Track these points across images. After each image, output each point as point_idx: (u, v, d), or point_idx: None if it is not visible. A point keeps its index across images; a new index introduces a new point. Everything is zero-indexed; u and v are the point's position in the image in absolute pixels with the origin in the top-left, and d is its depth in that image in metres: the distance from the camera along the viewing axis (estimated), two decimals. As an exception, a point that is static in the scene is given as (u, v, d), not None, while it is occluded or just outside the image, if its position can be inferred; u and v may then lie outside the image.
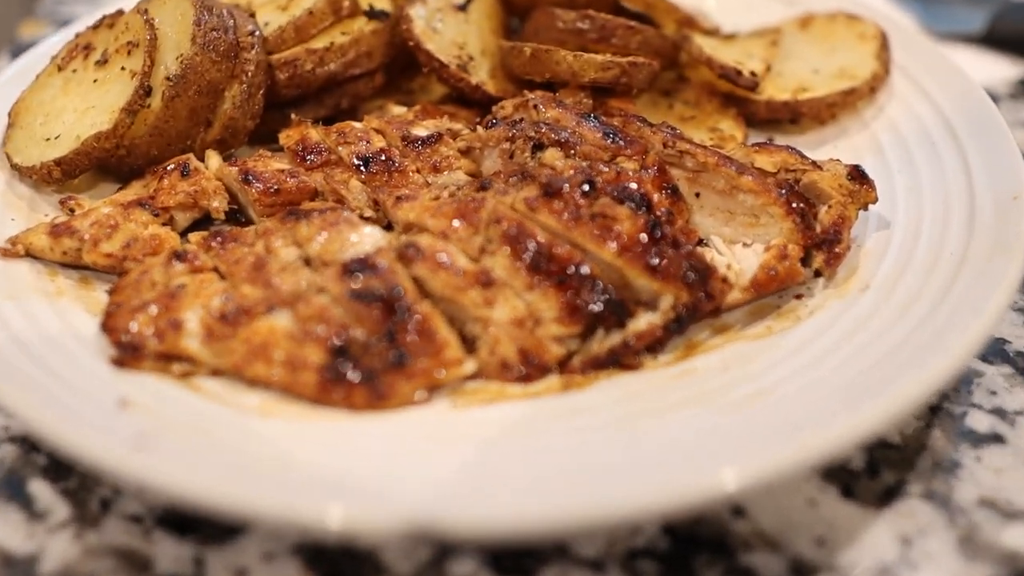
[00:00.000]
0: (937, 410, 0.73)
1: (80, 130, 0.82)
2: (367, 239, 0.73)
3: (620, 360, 0.69)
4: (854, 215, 0.78)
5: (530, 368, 0.68)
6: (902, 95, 0.95)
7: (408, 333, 0.66)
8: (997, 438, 0.71)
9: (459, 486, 0.57)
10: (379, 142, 0.83)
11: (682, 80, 0.99)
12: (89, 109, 0.84)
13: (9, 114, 0.89)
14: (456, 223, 0.72)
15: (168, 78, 0.83)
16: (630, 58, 0.89)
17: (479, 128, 0.83)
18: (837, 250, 0.75)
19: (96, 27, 0.92)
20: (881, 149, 0.90)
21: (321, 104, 0.93)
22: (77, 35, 0.93)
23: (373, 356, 0.65)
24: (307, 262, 0.72)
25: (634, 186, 0.73)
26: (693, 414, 0.63)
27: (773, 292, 0.74)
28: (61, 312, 0.71)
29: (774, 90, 0.94)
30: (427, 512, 0.53)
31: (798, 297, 0.75)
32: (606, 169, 0.75)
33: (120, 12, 0.91)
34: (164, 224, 0.79)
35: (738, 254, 0.76)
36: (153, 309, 0.68)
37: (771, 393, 0.64)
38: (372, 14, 0.94)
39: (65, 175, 0.83)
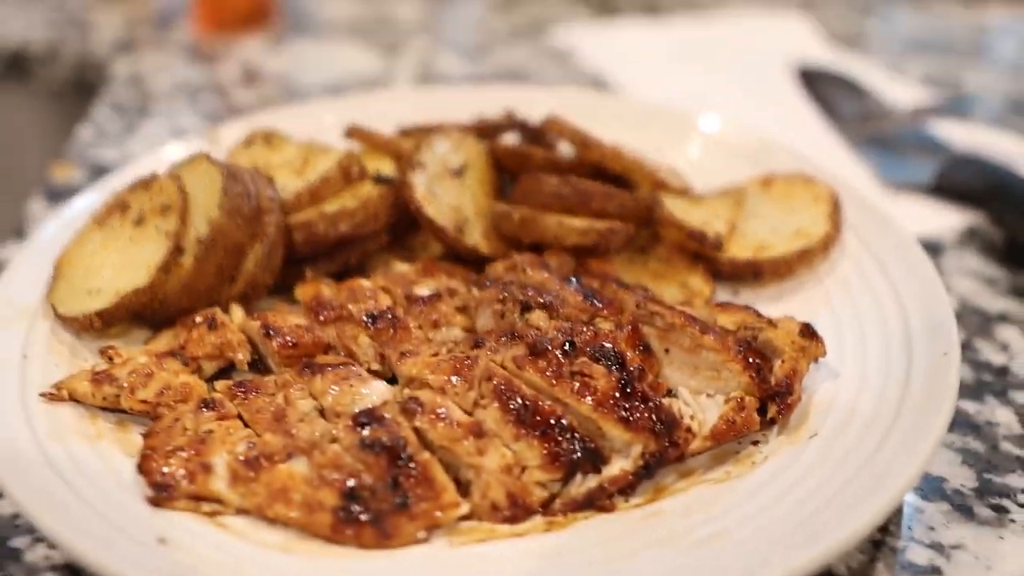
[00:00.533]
0: (880, 545, 0.82)
1: (119, 285, 0.93)
2: (374, 391, 0.83)
3: (596, 503, 0.78)
4: (805, 368, 0.88)
5: (516, 510, 0.76)
6: (852, 253, 1.07)
7: (410, 479, 0.75)
8: (935, 570, 0.80)
9: None
10: (385, 300, 0.94)
11: (656, 238, 1.11)
12: (127, 266, 0.95)
13: (54, 267, 0.99)
14: (453, 379, 0.82)
15: (199, 240, 0.94)
16: (607, 224, 1.01)
17: (473, 289, 0.94)
18: (789, 401, 0.85)
19: (132, 188, 1.03)
20: (832, 304, 1.01)
21: (333, 260, 1.04)
22: (115, 194, 1.04)
23: (380, 500, 0.74)
24: (321, 413, 0.82)
25: (609, 345, 0.84)
26: (660, 554, 0.71)
27: (732, 439, 0.84)
28: (101, 453, 0.80)
29: (737, 249, 1.06)
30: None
31: (755, 443, 0.85)
32: (585, 329, 0.86)
33: (154, 176, 1.03)
34: (193, 372, 0.89)
35: (703, 404, 0.86)
36: (184, 453, 0.77)
37: (730, 534, 0.73)
38: (379, 179, 1.06)
39: (105, 325, 0.93)
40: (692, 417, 0.84)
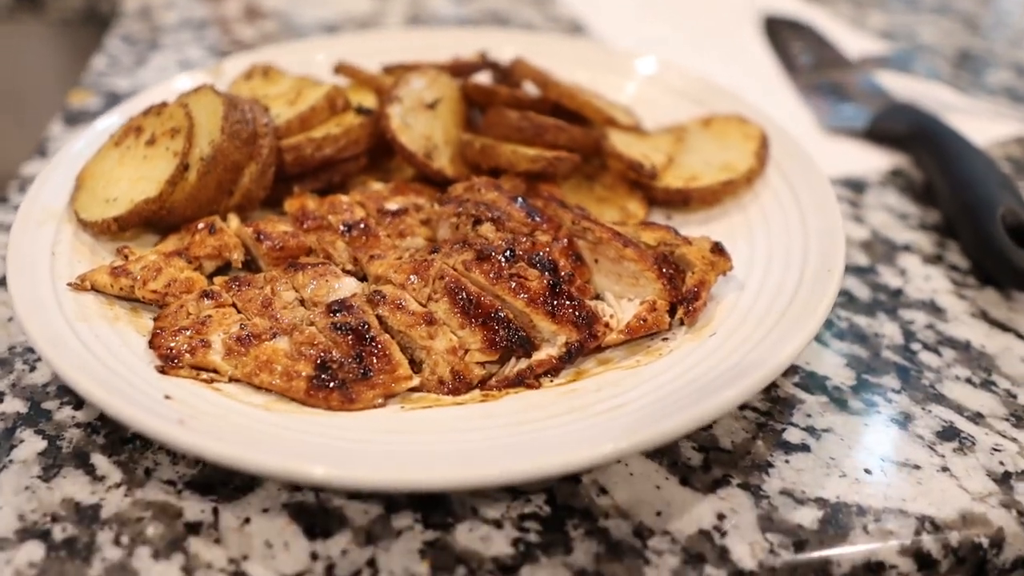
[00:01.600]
0: (763, 426, 0.99)
1: (133, 195, 1.09)
2: (346, 286, 0.99)
3: (524, 381, 0.95)
4: (713, 279, 1.04)
5: (459, 384, 0.93)
6: (773, 186, 1.22)
7: (372, 356, 0.92)
8: (804, 447, 0.97)
9: (405, 456, 0.81)
10: (360, 212, 1.10)
11: (603, 168, 1.26)
12: (140, 179, 1.11)
13: (77, 179, 1.15)
14: (412, 277, 0.98)
15: (202, 158, 1.09)
16: (555, 153, 1.16)
17: (435, 204, 1.10)
18: (695, 306, 1.01)
19: (145, 113, 1.18)
20: (750, 228, 1.16)
21: (317, 179, 1.19)
22: (130, 119, 1.20)
23: (346, 371, 0.91)
24: (302, 302, 0.98)
25: (543, 254, 1.00)
26: (570, 418, 0.88)
27: (643, 335, 1.00)
28: (119, 332, 0.97)
29: (671, 179, 1.21)
30: (381, 471, 0.78)
31: (664, 340, 1.01)
32: (525, 240, 1.02)
33: (164, 104, 1.18)
34: (195, 269, 1.05)
35: (624, 306, 1.03)
36: (188, 332, 0.94)
37: (629, 405, 0.89)
38: (360, 110, 1.21)
39: (120, 229, 1.09)
40: (611, 316, 1.00)
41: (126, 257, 1.06)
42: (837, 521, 0.87)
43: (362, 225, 1.08)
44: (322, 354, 0.91)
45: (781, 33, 1.85)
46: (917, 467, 0.94)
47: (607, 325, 0.98)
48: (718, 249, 1.06)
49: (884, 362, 1.09)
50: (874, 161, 1.48)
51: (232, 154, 1.10)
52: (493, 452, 0.81)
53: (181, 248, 1.06)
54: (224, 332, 0.95)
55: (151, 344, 0.94)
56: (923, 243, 1.29)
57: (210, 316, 0.97)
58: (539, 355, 0.96)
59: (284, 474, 0.76)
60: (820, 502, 0.89)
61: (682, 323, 1.02)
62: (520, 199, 1.08)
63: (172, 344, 0.93)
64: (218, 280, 1.04)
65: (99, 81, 1.69)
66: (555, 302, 0.97)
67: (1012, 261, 1.14)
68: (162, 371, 0.92)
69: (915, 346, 1.11)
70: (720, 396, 0.86)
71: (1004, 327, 1.14)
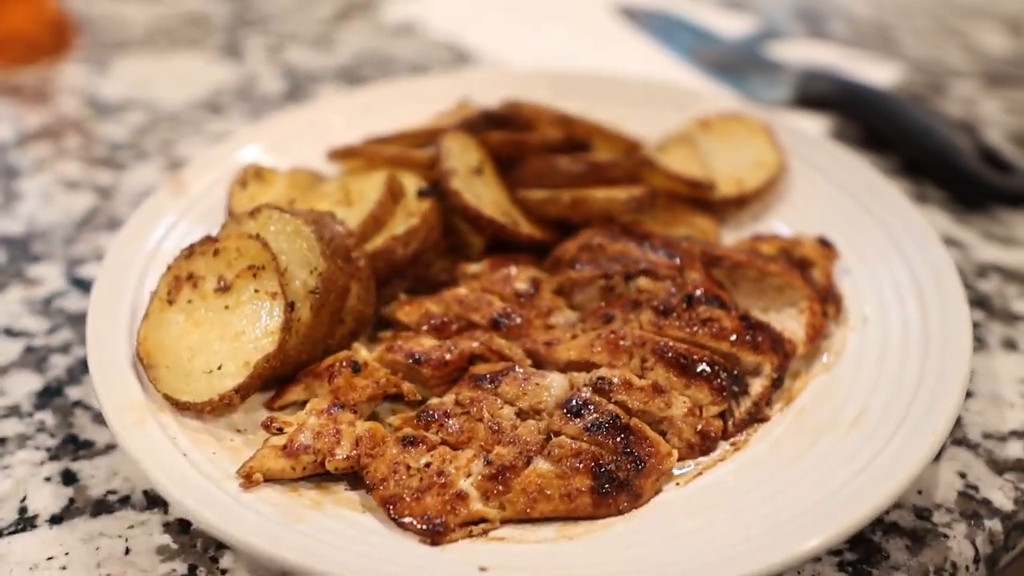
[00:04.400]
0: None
1: (245, 356, 0.91)
2: (556, 383, 0.92)
3: (756, 418, 0.95)
4: (831, 270, 1.11)
5: (708, 443, 0.91)
6: (796, 169, 1.31)
7: (636, 444, 0.87)
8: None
9: (721, 540, 0.79)
10: (498, 302, 1.01)
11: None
12: (239, 335, 0.93)
13: (139, 357, 0.94)
14: (615, 354, 0.94)
15: (312, 291, 0.94)
16: (641, 190, 1.15)
17: (570, 271, 1.04)
18: (836, 297, 1.07)
19: (189, 257, 0.99)
20: (804, 213, 1.24)
21: (405, 278, 1.08)
22: (169, 267, 0.99)
23: (621, 469, 0.85)
24: (519, 414, 0.90)
25: (709, 292, 1.00)
26: (829, 439, 0.90)
27: (819, 339, 1.04)
28: (339, 517, 0.82)
29: (723, 187, 1.25)
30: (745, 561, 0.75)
31: (824, 338, 1.06)
32: (680, 283, 1.01)
33: (210, 239, 0.99)
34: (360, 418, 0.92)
35: (775, 319, 1.06)
36: (432, 491, 0.82)
37: (869, 411, 0.92)
38: (423, 193, 1.11)
39: (242, 399, 0.91)
40: (782, 331, 1.03)
41: (280, 430, 0.89)
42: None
43: (509, 314, 1.00)
44: (593, 462, 0.85)
45: (643, 21, 1.95)
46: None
47: (790, 342, 1.01)
48: (824, 242, 1.12)
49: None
50: (808, 125, 1.63)
51: (339, 278, 0.96)
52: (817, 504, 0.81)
53: (333, 400, 0.92)
54: (467, 475, 0.84)
55: (398, 519, 0.81)
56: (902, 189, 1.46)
57: (430, 464, 0.85)
58: (756, 389, 0.96)
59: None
60: None
61: (830, 318, 1.07)
62: (646, 243, 1.07)
63: (426, 512, 0.81)
64: (395, 422, 0.91)
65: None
66: (750, 335, 0.98)
67: (997, 185, 1.33)
68: (435, 542, 0.80)
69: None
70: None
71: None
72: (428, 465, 0.85)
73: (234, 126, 1.60)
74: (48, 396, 1.06)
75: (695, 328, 0.96)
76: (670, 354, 0.94)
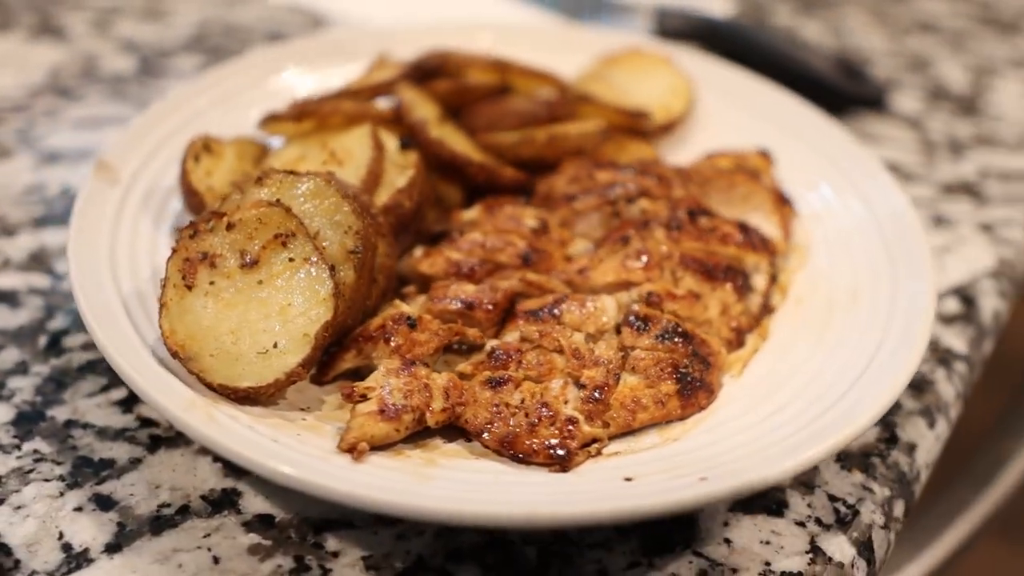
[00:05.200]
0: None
1: (302, 328, 0.85)
2: (608, 304, 0.95)
3: (767, 310, 1.05)
4: (774, 176, 1.24)
5: (741, 336, 1.00)
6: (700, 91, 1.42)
7: (700, 346, 0.93)
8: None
9: (803, 415, 0.88)
10: (519, 240, 1.02)
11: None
12: (286, 307, 0.86)
13: (171, 349, 0.84)
14: (648, 270, 0.99)
15: (353, 251, 0.90)
16: (604, 123, 1.20)
17: (574, 203, 1.07)
18: (790, 199, 1.20)
19: (194, 235, 0.89)
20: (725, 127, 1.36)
21: (408, 232, 1.05)
22: (175, 250, 0.89)
23: (695, 369, 0.91)
24: (588, 338, 0.92)
25: (701, 205, 1.08)
26: (842, 315, 1.02)
27: (789, 238, 1.16)
28: (461, 468, 0.81)
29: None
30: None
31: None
32: (677, 200, 1.08)
33: (217, 215, 0.90)
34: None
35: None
36: (544, 424, 0.83)
37: (862, 288, 1.05)
38: (405, 145, 1.08)
39: (307, 373, 0.85)
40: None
41: (364, 396, 0.85)
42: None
43: (531, 250, 1.02)
44: (672, 367, 0.90)
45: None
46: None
47: (771, 240, 1.12)
48: (763, 153, 1.25)
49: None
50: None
51: (371, 236, 0.92)
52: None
53: (406, 358, 0.88)
54: (566, 402, 0.86)
55: (522, 456, 0.82)
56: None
57: (525, 400, 0.86)
58: (760, 284, 1.06)
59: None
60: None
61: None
62: (626, 170, 1.12)
63: (547, 442, 0.82)
64: (465, 368, 0.90)
65: None
66: (747, 237, 1.07)
67: (853, 91, 1.54)
68: (566, 469, 0.81)
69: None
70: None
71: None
72: (523, 401, 0.86)
73: (99, 110, 1.43)
74: (27, 423, 0.92)
75: (705, 237, 1.04)
76: (694, 263, 1.01)
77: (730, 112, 1.38)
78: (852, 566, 0.85)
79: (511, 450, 0.82)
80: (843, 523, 0.88)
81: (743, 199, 1.17)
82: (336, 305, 0.87)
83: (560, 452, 0.82)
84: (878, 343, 0.94)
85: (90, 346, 1.01)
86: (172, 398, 0.80)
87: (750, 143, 1.30)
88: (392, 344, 0.90)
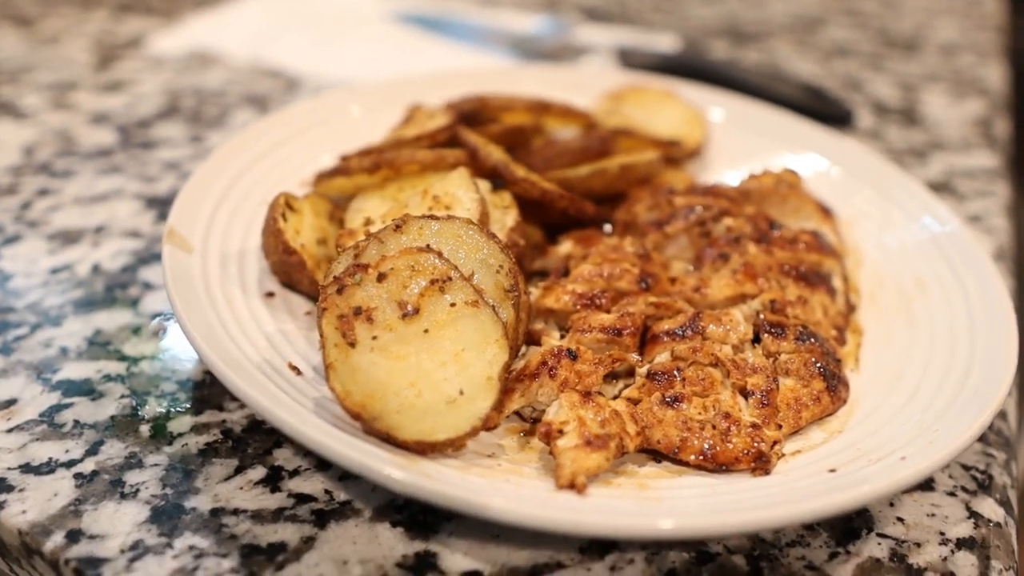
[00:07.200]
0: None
1: (484, 372, 0.83)
2: (738, 316, 0.99)
3: (851, 308, 1.12)
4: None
5: (842, 334, 1.06)
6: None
7: (827, 344, 0.99)
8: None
9: (941, 396, 0.95)
10: (630, 267, 1.04)
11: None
12: (460, 353, 0.84)
13: (355, 413, 0.80)
14: (758, 283, 1.03)
15: (508, 290, 0.89)
16: (661, 152, 1.24)
17: (665, 228, 1.11)
18: (829, 207, 1.29)
19: (340, 291, 0.85)
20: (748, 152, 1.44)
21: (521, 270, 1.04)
22: (323, 309, 0.84)
23: (834, 367, 0.97)
24: (734, 348, 0.95)
25: (774, 219, 1.15)
26: (917, 305, 1.11)
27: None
28: (677, 486, 0.81)
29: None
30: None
31: (831, 241, 1.27)
32: (753, 216, 1.14)
33: (362, 265, 0.87)
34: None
35: (795, 234, 1.24)
36: (733, 433, 0.85)
37: (925, 278, 1.15)
38: (499, 185, 1.08)
39: (500, 417, 0.83)
40: (815, 240, 1.22)
41: (561, 432, 0.83)
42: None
43: (646, 275, 1.04)
44: (818, 367, 0.95)
45: (432, 25, 2.00)
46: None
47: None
48: (791, 171, 1.33)
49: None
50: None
51: (519, 273, 0.92)
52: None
53: (580, 390, 0.88)
54: (743, 409, 0.89)
55: (728, 468, 0.84)
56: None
57: (701, 411, 0.88)
58: (839, 285, 1.14)
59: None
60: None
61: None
62: (693, 193, 1.17)
63: (743, 451, 0.84)
64: (631, 394, 0.91)
65: None
66: (822, 244, 1.14)
67: (821, 111, 1.68)
68: (766, 472, 0.84)
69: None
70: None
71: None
72: (705, 414, 0.88)
73: (96, 186, 1.33)
74: (167, 518, 0.83)
75: (791, 247, 1.10)
76: (793, 272, 1.07)
77: (741, 135, 1.46)
78: (1005, 523, 0.91)
79: (713, 462, 0.84)
80: (984, 488, 0.95)
81: (795, 211, 1.25)
82: (510, 346, 0.85)
83: (759, 457, 0.84)
84: (969, 322, 1.03)
85: (203, 428, 0.94)
86: (380, 462, 0.76)
87: (764, 162, 1.40)
88: (559, 379, 0.89)
